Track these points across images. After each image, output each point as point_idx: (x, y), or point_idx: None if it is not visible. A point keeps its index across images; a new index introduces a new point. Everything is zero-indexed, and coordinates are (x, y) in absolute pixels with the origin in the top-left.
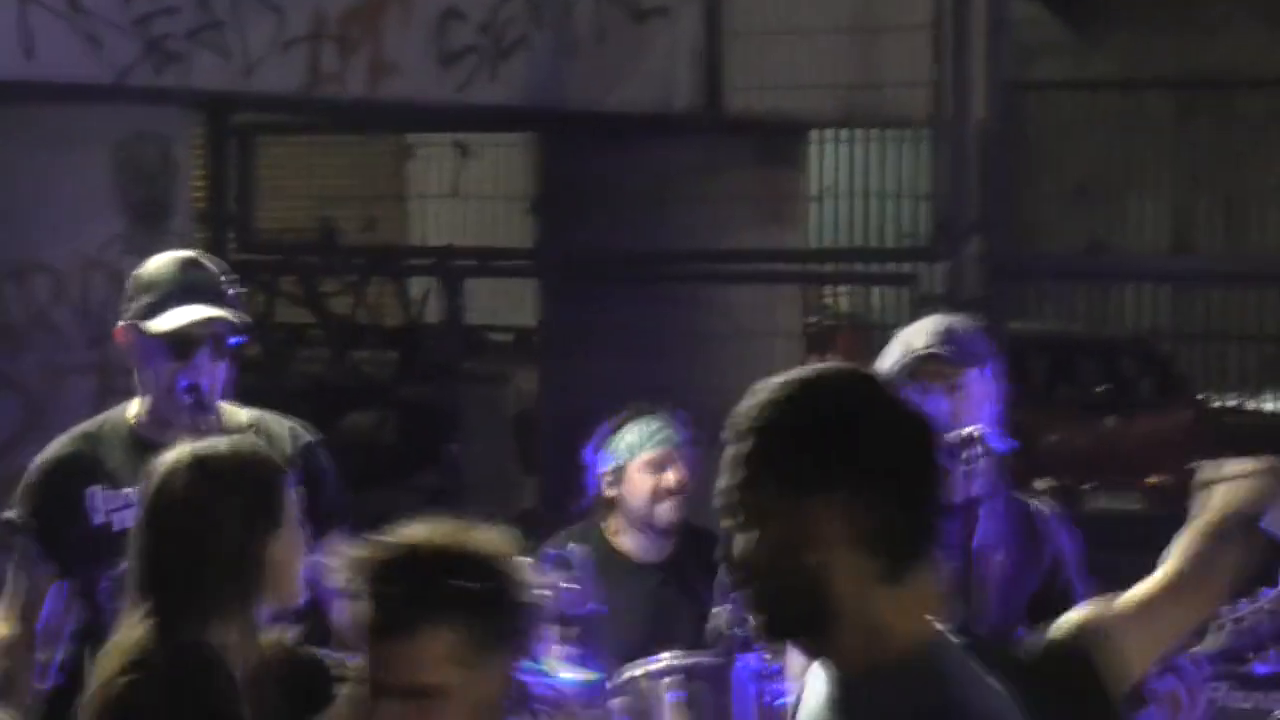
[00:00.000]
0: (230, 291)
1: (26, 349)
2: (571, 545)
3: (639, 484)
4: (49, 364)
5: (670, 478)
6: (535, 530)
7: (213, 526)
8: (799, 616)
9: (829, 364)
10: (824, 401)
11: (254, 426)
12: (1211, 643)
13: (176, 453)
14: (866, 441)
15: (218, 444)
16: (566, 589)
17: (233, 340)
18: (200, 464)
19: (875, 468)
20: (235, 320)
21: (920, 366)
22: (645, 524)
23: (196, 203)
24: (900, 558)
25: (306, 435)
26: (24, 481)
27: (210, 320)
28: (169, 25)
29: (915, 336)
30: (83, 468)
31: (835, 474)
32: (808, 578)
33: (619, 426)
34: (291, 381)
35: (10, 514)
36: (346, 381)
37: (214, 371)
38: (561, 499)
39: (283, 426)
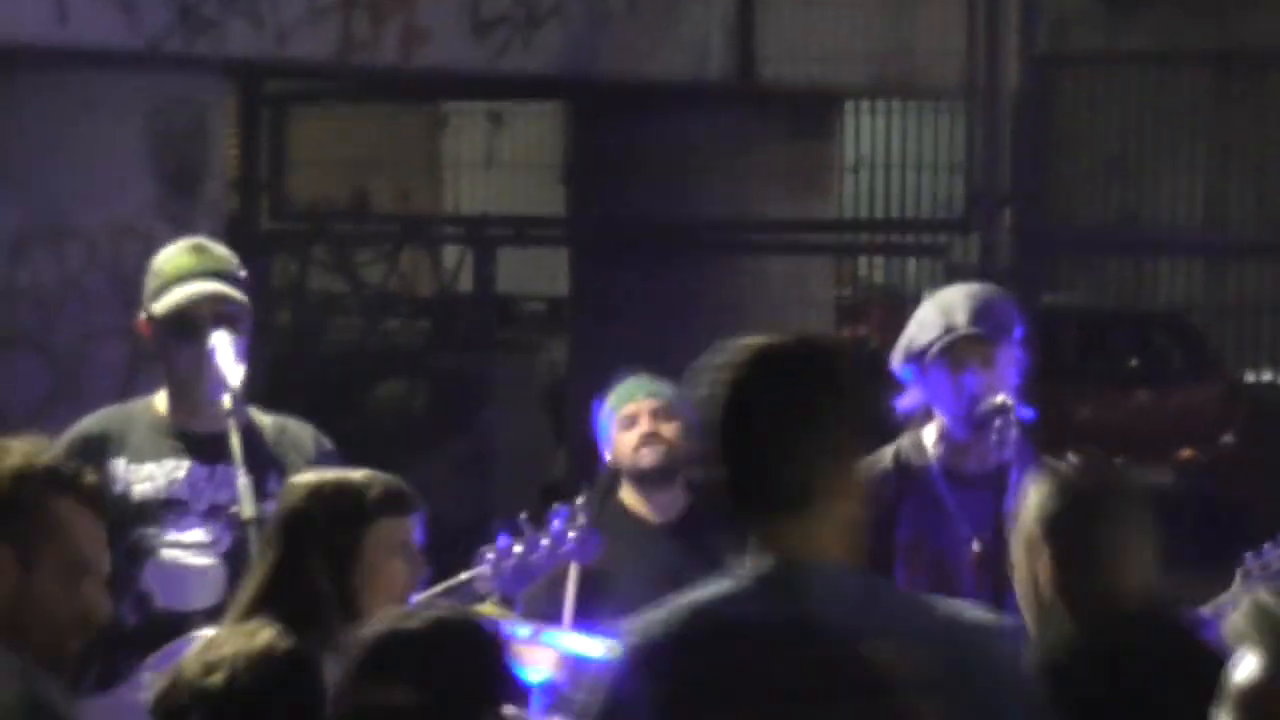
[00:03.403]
0: (239, 274)
1: (59, 314)
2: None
3: (620, 442)
4: (82, 329)
5: (643, 426)
6: (566, 500)
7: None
8: None
9: None
10: None
11: (280, 429)
12: (1238, 591)
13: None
14: None
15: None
16: (573, 539)
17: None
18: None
19: None
20: (236, 296)
21: (959, 345)
22: (638, 479)
23: (229, 171)
24: None
25: (326, 443)
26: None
27: (209, 296)
28: None
29: (955, 312)
30: (110, 442)
31: None
32: None
33: (606, 396)
34: (324, 350)
35: None
36: (379, 350)
37: (228, 351)
38: (592, 469)
39: (306, 432)
